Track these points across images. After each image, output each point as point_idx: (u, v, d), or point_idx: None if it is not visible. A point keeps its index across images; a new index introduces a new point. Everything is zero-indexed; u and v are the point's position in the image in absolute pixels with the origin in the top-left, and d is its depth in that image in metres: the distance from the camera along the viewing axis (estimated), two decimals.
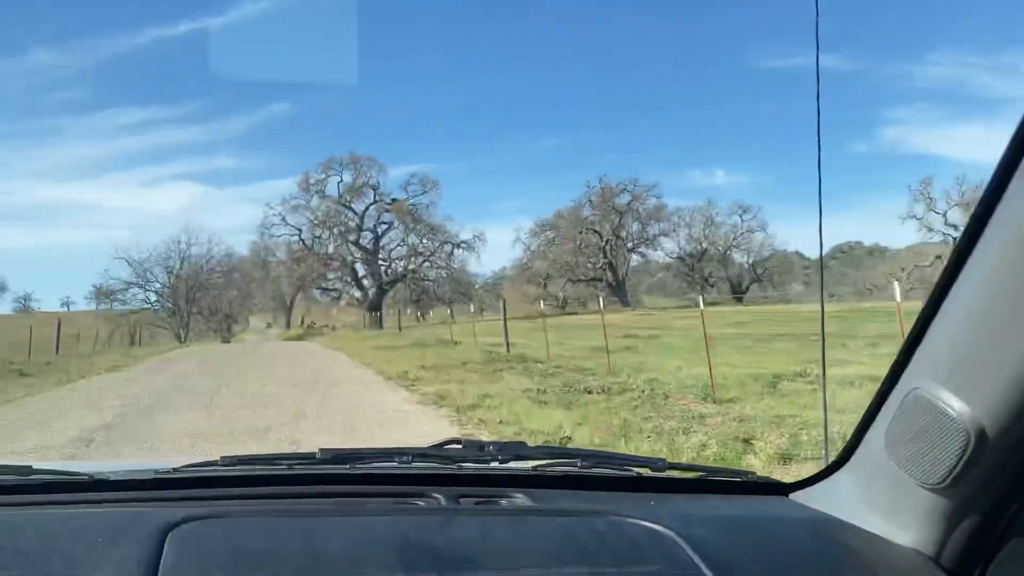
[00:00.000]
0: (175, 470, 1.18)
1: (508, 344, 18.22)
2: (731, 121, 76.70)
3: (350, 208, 54.38)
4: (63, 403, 10.67)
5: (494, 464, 1.24)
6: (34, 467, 1.15)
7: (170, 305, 52.68)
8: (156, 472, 1.16)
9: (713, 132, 75.79)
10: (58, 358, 21.29)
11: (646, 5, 73.73)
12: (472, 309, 35.59)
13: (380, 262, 55.67)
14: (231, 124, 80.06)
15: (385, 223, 55.73)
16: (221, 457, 1.19)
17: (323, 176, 53.71)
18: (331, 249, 54.50)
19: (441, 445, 1.27)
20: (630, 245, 59.37)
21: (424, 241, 56.02)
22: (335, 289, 55.94)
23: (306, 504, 1.13)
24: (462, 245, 57.25)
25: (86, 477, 1.15)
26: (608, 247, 57.58)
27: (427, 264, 57.02)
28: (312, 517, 1.04)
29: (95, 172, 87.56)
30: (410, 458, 1.20)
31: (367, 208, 54.91)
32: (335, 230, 53.82)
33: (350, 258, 54.49)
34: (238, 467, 1.18)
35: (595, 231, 57.81)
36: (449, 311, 50.98)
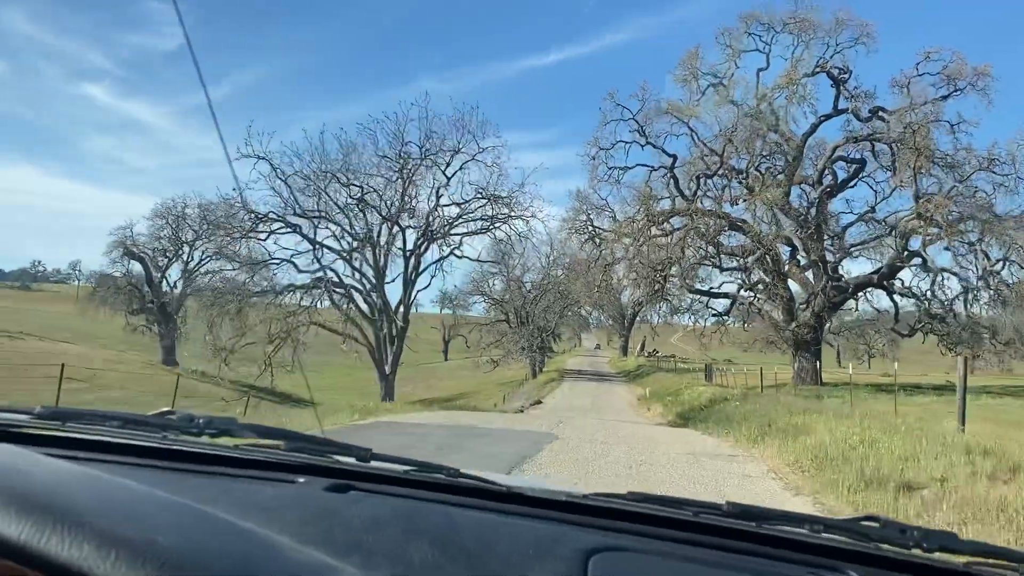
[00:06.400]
0: (585, 496, 1.22)
1: None
2: None
3: (774, 126, 25.39)
4: None
5: (916, 551, 1.13)
6: (460, 471, 1.27)
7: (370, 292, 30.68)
8: (568, 495, 1.22)
9: None
10: None
11: None
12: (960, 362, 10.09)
13: (826, 249, 25.78)
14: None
15: (849, 162, 25.66)
16: (628, 492, 1.23)
17: (727, 49, 25.53)
18: (727, 206, 26.18)
19: (857, 520, 1.17)
20: None
21: (941, 210, 24.65)
22: (724, 294, 27.36)
23: (712, 555, 1.10)
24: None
25: (504, 488, 1.23)
26: None
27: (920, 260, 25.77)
28: (723, 569, 1.04)
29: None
30: (821, 527, 1.15)
31: (817, 124, 25.37)
32: (751, 168, 25.26)
33: (766, 231, 25.56)
34: (645, 504, 1.20)
35: None
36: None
